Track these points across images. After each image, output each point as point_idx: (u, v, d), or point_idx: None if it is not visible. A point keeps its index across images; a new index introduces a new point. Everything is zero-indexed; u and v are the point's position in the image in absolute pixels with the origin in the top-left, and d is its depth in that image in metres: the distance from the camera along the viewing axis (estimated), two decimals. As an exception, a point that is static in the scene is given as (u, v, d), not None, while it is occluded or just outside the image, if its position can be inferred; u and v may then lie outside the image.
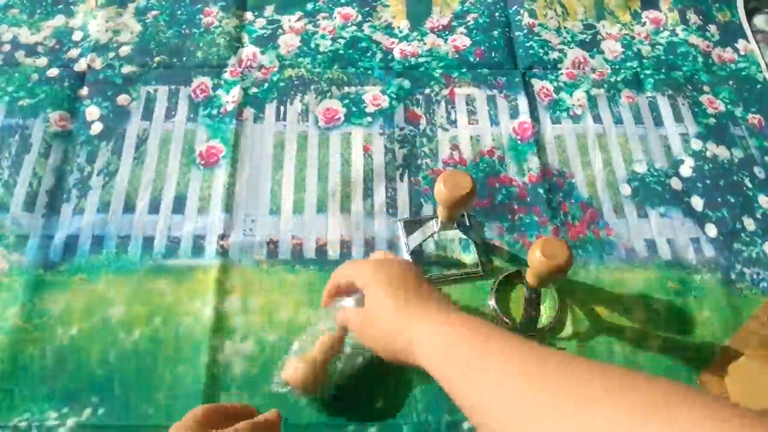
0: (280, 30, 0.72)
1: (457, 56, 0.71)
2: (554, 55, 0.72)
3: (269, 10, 0.74)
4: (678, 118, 0.67)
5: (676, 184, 0.63)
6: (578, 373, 0.31)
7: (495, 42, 0.73)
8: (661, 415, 0.26)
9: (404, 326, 0.40)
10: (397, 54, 0.71)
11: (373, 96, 0.67)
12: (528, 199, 0.61)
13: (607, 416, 0.27)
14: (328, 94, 0.67)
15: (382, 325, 0.41)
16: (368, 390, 0.50)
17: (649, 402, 0.27)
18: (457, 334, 0.37)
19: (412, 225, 0.58)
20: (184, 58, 0.69)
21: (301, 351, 0.47)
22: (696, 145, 0.65)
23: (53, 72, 0.67)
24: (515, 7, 0.75)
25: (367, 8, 0.75)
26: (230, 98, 0.66)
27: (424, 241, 0.56)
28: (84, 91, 0.66)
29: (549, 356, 0.33)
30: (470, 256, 0.57)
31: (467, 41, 0.72)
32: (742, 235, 0.60)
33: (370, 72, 0.69)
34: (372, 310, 0.42)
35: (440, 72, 0.69)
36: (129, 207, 0.59)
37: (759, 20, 0.76)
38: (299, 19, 0.73)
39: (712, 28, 0.75)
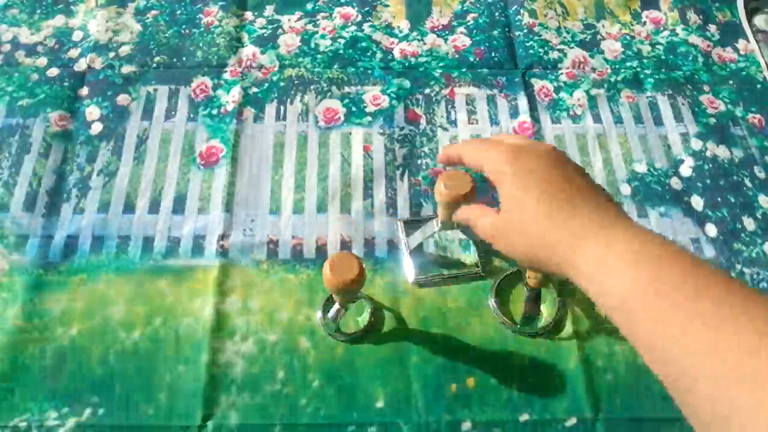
0: (280, 30, 0.72)
1: (457, 56, 0.71)
2: (554, 54, 0.72)
3: (269, 10, 0.74)
4: (678, 117, 0.67)
5: (676, 183, 0.63)
6: None
7: (495, 42, 0.73)
8: None
9: (564, 236, 0.34)
10: (397, 54, 0.71)
11: (373, 96, 0.67)
12: (528, 199, 0.61)
13: None
14: (328, 94, 0.67)
15: (530, 232, 0.35)
16: (368, 390, 0.50)
17: None
18: (649, 264, 0.31)
19: (412, 225, 0.58)
20: (184, 58, 0.69)
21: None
22: (696, 144, 0.65)
23: (53, 72, 0.67)
24: (515, 7, 0.75)
25: (367, 8, 0.75)
26: (230, 98, 0.66)
27: (424, 241, 0.56)
28: (84, 91, 0.66)
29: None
30: (470, 256, 0.57)
31: (467, 41, 0.72)
32: (742, 235, 0.60)
33: (370, 72, 0.69)
34: (512, 215, 0.37)
35: (440, 72, 0.69)
36: (129, 207, 0.59)
37: (759, 20, 0.76)
38: (299, 18, 0.74)
39: (712, 27, 0.75)
